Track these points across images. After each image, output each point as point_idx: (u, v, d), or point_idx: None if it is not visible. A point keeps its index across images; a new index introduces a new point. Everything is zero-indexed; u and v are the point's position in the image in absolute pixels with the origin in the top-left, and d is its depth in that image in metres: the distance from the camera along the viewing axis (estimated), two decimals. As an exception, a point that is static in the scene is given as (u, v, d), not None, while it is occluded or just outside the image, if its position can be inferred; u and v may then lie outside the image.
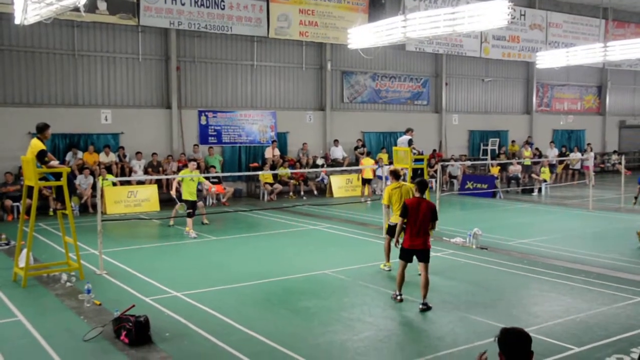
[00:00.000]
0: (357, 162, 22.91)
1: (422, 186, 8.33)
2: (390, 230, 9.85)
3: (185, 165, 16.45)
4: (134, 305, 7.44)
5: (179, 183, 14.21)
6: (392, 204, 9.95)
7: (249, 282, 9.55)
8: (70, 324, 7.56)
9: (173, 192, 14.52)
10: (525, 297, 8.92)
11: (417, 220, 8.05)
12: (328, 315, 7.89)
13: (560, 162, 25.48)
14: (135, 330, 6.74)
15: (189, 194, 13.86)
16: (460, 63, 27.16)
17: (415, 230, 8.07)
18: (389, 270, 10.07)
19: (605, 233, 14.19)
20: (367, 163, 20.80)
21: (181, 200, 14.11)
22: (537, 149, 26.89)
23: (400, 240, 8.38)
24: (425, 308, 8.01)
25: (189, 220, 13.73)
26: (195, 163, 15.23)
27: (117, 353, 6.56)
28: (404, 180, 11.55)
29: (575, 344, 6.74)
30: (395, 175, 10.27)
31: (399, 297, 8.40)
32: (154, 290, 9.04)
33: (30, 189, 9.61)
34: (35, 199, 9.57)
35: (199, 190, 14.92)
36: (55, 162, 9.90)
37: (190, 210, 13.77)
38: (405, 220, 8.23)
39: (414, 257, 8.25)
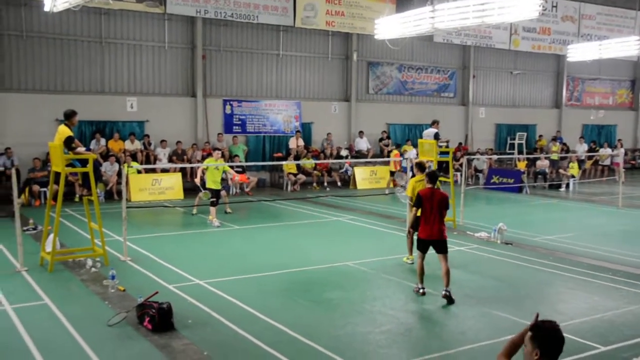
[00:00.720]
0: (381, 153, 22.77)
1: (432, 177, 8.51)
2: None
3: (210, 154, 16.52)
4: (157, 292, 7.51)
5: (203, 172, 14.30)
6: (414, 196, 9.87)
7: (271, 272, 9.57)
8: (95, 308, 7.65)
9: (197, 181, 14.61)
10: (551, 294, 8.78)
11: (432, 209, 8.15)
12: (350, 307, 7.86)
13: (590, 157, 24.97)
14: (158, 317, 6.80)
15: (213, 182, 13.94)
16: (489, 55, 26.72)
17: (431, 220, 8.16)
18: (412, 263, 9.97)
19: (634, 231, 13.85)
20: (392, 155, 20.68)
21: (205, 189, 14.18)
22: (564, 144, 26.41)
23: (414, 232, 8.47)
24: (448, 296, 7.95)
25: (212, 209, 13.81)
26: (220, 152, 15.29)
27: (140, 339, 6.62)
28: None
29: (601, 343, 6.60)
30: (421, 167, 10.24)
31: (421, 291, 8.34)
32: (177, 278, 9.11)
33: (57, 174, 9.71)
34: (62, 184, 9.67)
35: (223, 179, 14.99)
36: (82, 149, 10.05)
37: (214, 199, 13.85)
38: (419, 211, 8.27)
39: (433, 250, 8.25)
